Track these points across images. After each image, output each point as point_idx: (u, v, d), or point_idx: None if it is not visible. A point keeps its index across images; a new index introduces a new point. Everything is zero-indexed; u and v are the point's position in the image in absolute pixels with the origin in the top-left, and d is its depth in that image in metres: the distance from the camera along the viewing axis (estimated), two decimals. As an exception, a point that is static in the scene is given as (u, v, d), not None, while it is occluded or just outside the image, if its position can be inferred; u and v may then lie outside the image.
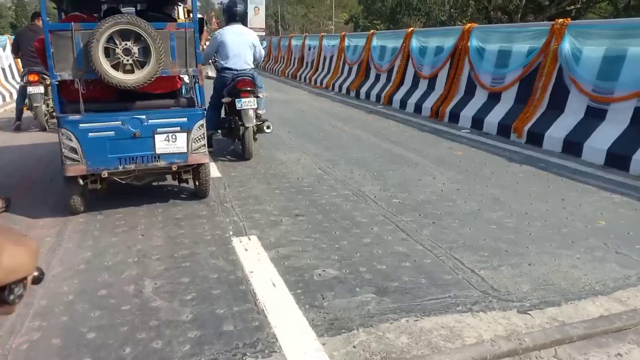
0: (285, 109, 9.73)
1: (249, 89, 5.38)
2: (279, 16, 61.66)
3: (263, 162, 5.51)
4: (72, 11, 4.43)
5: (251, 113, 5.36)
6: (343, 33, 13.91)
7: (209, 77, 5.94)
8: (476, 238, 3.31)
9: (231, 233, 3.46)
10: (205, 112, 4.36)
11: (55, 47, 3.42)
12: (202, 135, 3.81)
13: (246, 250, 3.16)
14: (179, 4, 5.46)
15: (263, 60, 6.04)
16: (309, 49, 16.62)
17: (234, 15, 5.70)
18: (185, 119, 3.75)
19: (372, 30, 12.04)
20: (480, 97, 7.63)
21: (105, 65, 3.45)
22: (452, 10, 27.93)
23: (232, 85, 5.44)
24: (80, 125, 3.52)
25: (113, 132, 3.59)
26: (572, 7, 21.48)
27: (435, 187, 4.48)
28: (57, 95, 3.57)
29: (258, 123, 5.60)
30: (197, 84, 4.07)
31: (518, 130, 6.46)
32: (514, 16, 19.47)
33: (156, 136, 3.67)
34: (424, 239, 3.30)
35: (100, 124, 3.58)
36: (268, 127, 5.66)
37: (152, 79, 3.59)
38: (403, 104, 9.56)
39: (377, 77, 11.15)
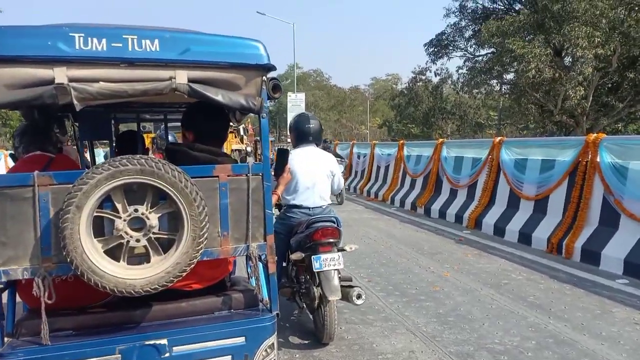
0: (349, 235, 7.78)
1: (331, 240, 3.57)
2: (313, 121, 62.67)
3: (354, 358, 3.41)
4: (37, 142, 2.49)
5: (335, 279, 3.50)
6: (401, 142, 12.36)
7: None
8: None
9: None
10: None
11: (1, 218, 1.84)
12: None
13: None
14: (236, 125, 3.47)
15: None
16: (358, 157, 15.20)
17: (306, 134, 4.01)
18: (243, 339, 2.07)
19: (440, 139, 10.40)
20: (629, 232, 5.51)
21: (91, 252, 1.82)
22: (501, 116, 26.84)
23: (306, 235, 3.63)
24: None
25: None
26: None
27: None
28: None
29: (343, 286, 3.60)
30: (263, 269, 2.33)
31: None
32: (580, 119, 17.89)
33: None
34: None
35: None
36: (359, 297, 3.55)
37: (184, 273, 1.93)
38: (499, 230, 7.48)
39: (454, 193, 9.24)
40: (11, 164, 2.92)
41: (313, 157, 3.98)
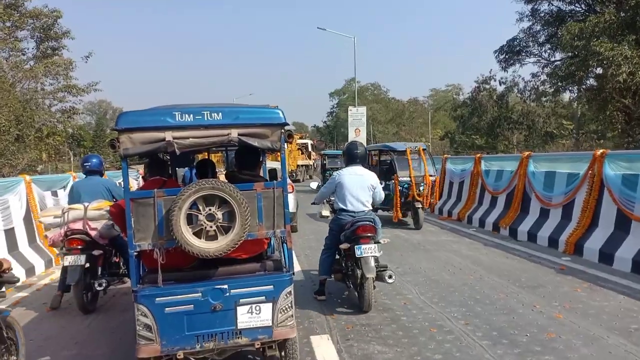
0: (427, 260, 7.07)
1: (369, 234, 4.89)
2: (371, 135, 62.11)
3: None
4: (156, 171, 4.45)
5: (372, 262, 4.79)
6: (478, 155, 11.47)
7: (323, 217, 5.77)
8: None
9: None
10: (320, 255, 5.46)
11: (136, 215, 3.15)
12: (289, 305, 3.32)
13: None
14: (271, 153, 4.92)
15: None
16: (428, 172, 14.32)
17: (354, 157, 5.38)
18: (272, 287, 3.29)
19: (527, 152, 9.43)
20: None
21: (186, 233, 3.11)
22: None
23: (351, 230, 4.96)
24: (157, 299, 3.16)
25: (192, 305, 3.19)
26: None
27: None
28: (134, 267, 3.25)
29: (379, 271, 4.94)
30: (284, 246, 3.71)
31: None
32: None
33: (239, 308, 3.24)
34: None
35: (177, 297, 3.19)
36: (390, 277, 4.96)
37: (237, 245, 3.18)
38: (607, 257, 6.49)
39: (545, 213, 8.26)
40: (140, 180, 5.41)
41: (359, 174, 5.26)
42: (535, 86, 26.44)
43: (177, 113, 3.08)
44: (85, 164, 5.89)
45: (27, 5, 22.55)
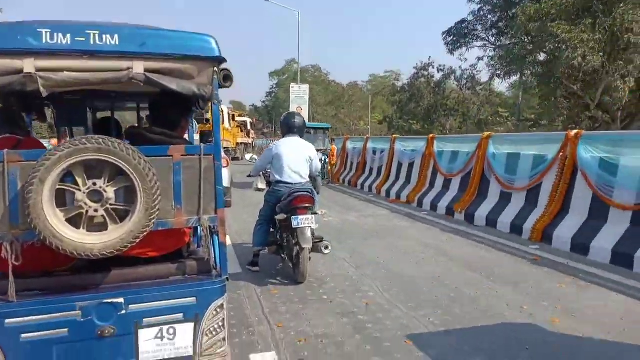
0: (383, 249, 6.11)
1: (306, 205, 4.68)
2: (311, 117, 61.29)
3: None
4: (5, 126, 2.68)
5: (308, 232, 4.61)
6: (431, 136, 10.71)
7: (258, 190, 5.45)
8: None
9: None
10: (254, 227, 5.18)
11: None
12: (220, 325, 2.31)
13: None
14: (201, 109, 3.18)
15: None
16: (374, 152, 13.52)
17: (292, 127, 5.14)
18: (194, 299, 2.27)
19: (487, 133, 8.74)
20: None
21: (53, 220, 2.03)
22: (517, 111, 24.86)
23: (287, 201, 4.73)
24: (8, 321, 2.05)
25: (66, 329, 2.11)
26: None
27: None
28: None
29: (315, 242, 4.77)
30: (215, 239, 2.49)
31: None
32: (615, 114, 16.06)
33: (142, 333, 2.20)
34: None
35: (42, 318, 2.09)
36: (326, 248, 4.82)
37: (137, 240, 2.13)
38: (581, 246, 5.83)
39: (506, 198, 7.58)
40: None
41: (296, 145, 5.02)
42: (472, 74, 26.57)
43: (45, 31, 2.06)
44: None
45: None
